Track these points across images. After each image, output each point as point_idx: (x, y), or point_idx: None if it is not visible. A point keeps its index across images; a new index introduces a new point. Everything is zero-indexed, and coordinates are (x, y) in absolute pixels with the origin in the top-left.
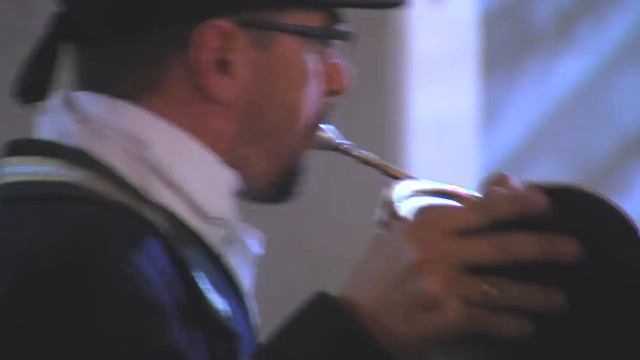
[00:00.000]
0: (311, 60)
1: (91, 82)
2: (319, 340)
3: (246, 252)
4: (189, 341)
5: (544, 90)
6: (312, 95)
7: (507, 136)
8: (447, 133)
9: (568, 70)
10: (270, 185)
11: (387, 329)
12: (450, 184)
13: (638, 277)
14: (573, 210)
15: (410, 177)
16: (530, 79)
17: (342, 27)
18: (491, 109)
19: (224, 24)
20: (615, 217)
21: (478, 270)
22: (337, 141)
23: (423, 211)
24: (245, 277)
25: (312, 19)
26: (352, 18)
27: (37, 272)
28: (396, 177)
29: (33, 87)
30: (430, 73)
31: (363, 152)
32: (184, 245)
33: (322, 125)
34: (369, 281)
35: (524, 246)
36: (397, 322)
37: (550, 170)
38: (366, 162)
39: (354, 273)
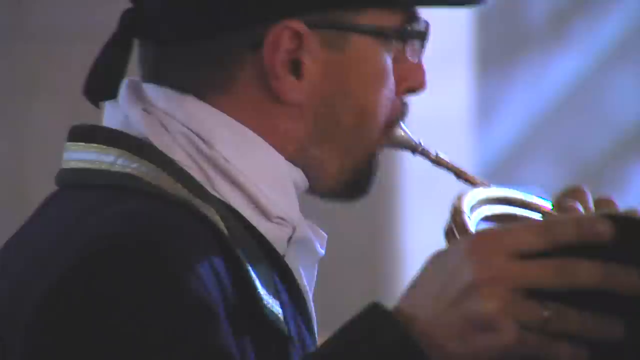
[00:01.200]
0: (387, 61)
1: (159, 75)
2: (369, 350)
3: (311, 253)
4: (239, 342)
5: (538, 89)
6: (385, 95)
7: (501, 134)
8: (441, 131)
9: (562, 68)
10: (342, 184)
11: (439, 346)
12: (521, 193)
13: None
14: (638, 240)
15: (483, 184)
16: (525, 77)
17: (417, 26)
18: (485, 107)
19: (296, 25)
20: None
21: (536, 294)
22: (413, 141)
23: (486, 229)
24: (307, 278)
25: (387, 19)
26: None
27: (91, 262)
28: (470, 182)
29: (103, 86)
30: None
31: (440, 154)
32: (242, 244)
33: (399, 125)
34: (426, 296)
35: (588, 273)
36: (451, 340)
37: (544, 168)
38: (442, 165)
39: (411, 286)
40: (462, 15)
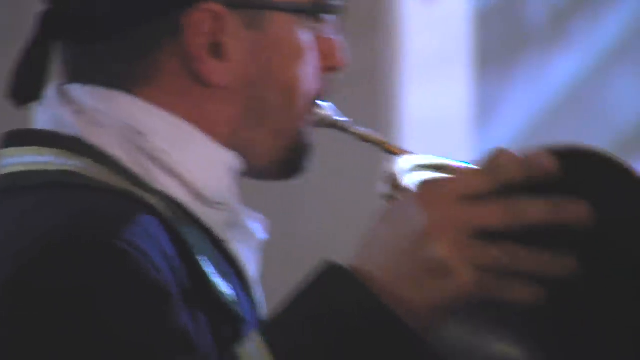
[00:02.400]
0: (305, 37)
1: (83, 74)
2: (331, 312)
3: (250, 237)
4: (193, 324)
5: (538, 88)
6: (309, 71)
7: (501, 134)
8: (441, 131)
9: (562, 67)
10: (275, 163)
11: (398, 297)
12: (451, 159)
13: None
14: (585, 173)
15: (410, 153)
16: (524, 77)
17: (333, 2)
18: (485, 106)
19: (214, 6)
20: (630, 181)
21: (489, 236)
22: (335, 118)
23: (433, 178)
24: (250, 263)
25: None
26: (347, 15)
27: (40, 258)
28: (395, 154)
29: (27, 88)
30: (423, 70)
31: (361, 128)
32: (187, 231)
33: (320, 103)
34: (380, 250)
35: (535, 210)
36: (409, 290)
37: None
38: (365, 139)
39: (363, 243)
40: (461, 15)
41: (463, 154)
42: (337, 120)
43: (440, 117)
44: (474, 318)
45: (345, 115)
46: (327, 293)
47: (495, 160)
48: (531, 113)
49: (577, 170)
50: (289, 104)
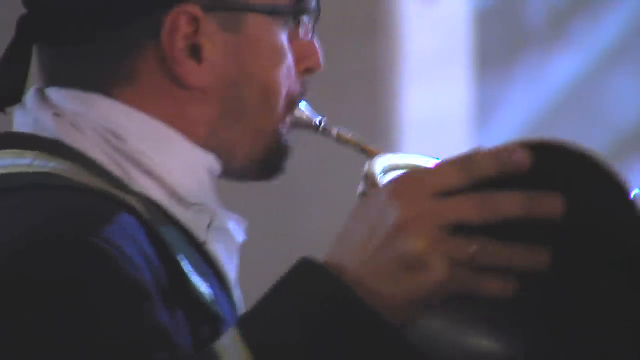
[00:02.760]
0: (283, 39)
1: (61, 77)
2: (306, 306)
3: (229, 239)
4: (171, 322)
5: (538, 88)
6: (286, 73)
7: (501, 133)
8: (441, 131)
9: (561, 68)
10: (254, 163)
11: (374, 291)
12: (431, 158)
13: (625, 235)
14: (558, 166)
15: (387, 153)
16: (524, 77)
17: (308, 3)
18: (485, 106)
19: (191, 8)
20: (603, 174)
21: (464, 230)
22: (311, 118)
23: (406, 172)
24: (229, 265)
25: None
26: (345, 17)
27: (19, 259)
28: (373, 154)
29: (6, 92)
30: (423, 71)
31: (338, 129)
32: (166, 231)
33: (299, 105)
34: (354, 245)
35: (508, 204)
36: (383, 284)
37: None
38: (342, 140)
39: (337, 238)
40: (461, 15)
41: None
42: (313, 121)
43: (440, 117)
44: (450, 312)
45: (347, 117)
46: (300, 286)
47: (469, 155)
48: (531, 113)
49: (550, 163)
50: (267, 104)
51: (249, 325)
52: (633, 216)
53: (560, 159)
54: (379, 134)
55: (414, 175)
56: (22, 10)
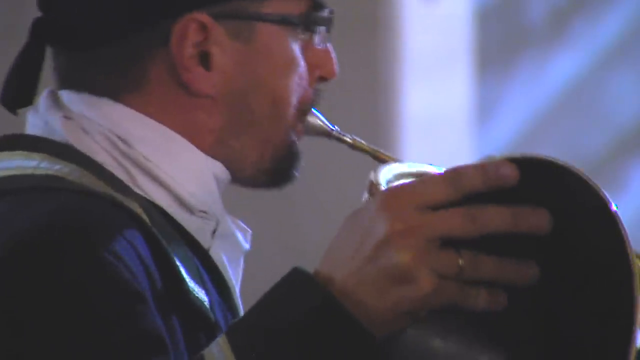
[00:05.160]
0: (295, 48)
1: (72, 81)
2: (292, 314)
3: (235, 246)
4: (167, 327)
5: (538, 87)
6: (298, 82)
7: (501, 133)
8: (441, 129)
9: (561, 67)
10: (263, 172)
11: (361, 303)
12: (436, 166)
13: (607, 251)
14: (545, 181)
15: (398, 161)
16: (524, 76)
17: (322, 13)
18: (485, 105)
19: (202, 17)
20: (587, 188)
21: (451, 243)
22: (328, 127)
23: (395, 186)
24: (233, 272)
25: (292, 7)
26: (348, 15)
27: (14, 257)
28: (385, 161)
29: (20, 93)
30: (424, 70)
31: (354, 137)
32: (167, 237)
33: (312, 112)
34: (343, 256)
35: (495, 218)
36: (370, 296)
37: None
38: (356, 148)
39: (328, 249)
40: (461, 14)
41: (463, 154)
42: (327, 128)
43: (440, 115)
44: (437, 324)
45: (348, 116)
46: (288, 295)
47: (457, 169)
48: (531, 112)
49: (535, 177)
50: (277, 114)
51: (236, 332)
52: (615, 228)
53: (546, 173)
54: (379, 132)
55: (403, 188)
56: (23, 11)
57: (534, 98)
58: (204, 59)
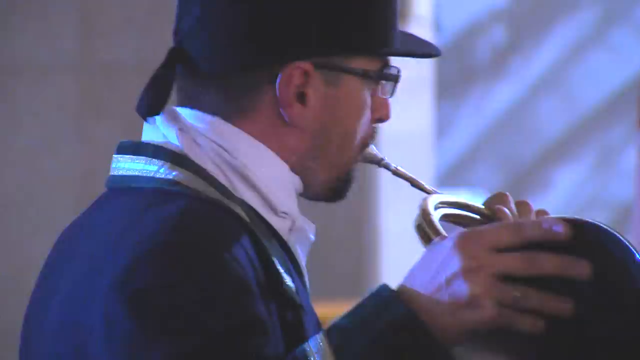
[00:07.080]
0: (367, 96)
1: (194, 101)
2: (379, 320)
3: (305, 239)
4: (267, 311)
5: (483, 111)
6: (364, 122)
7: (455, 146)
8: (408, 143)
9: (501, 95)
10: (327, 190)
11: (434, 319)
12: (462, 197)
13: (632, 310)
14: (589, 239)
15: (433, 190)
16: (472, 102)
17: (392, 71)
18: (442, 125)
19: (305, 65)
20: (622, 246)
21: (510, 279)
22: (379, 157)
23: (469, 230)
24: (303, 259)
25: (370, 64)
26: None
27: (150, 253)
28: (421, 189)
29: (153, 104)
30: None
31: (399, 167)
32: (263, 234)
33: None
34: (423, 281)
35: (548, 263)
36: (443, 315)
37: (488, 173)
38: (400, 176)
39: (409, 273)
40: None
41: (424, 163)
42: (381, 159)
43: (407, 132)
44: (489, 341)
45: None
46: (377, 306)
47: (521, 222)
48: (478, 130)
49: (584, 235)
50: (346, 146)
51: (332, 333)
52: None
53: (593, 234)
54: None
55: (475, 232)
56: None
57: (480, 119)
58: (301, 97)
